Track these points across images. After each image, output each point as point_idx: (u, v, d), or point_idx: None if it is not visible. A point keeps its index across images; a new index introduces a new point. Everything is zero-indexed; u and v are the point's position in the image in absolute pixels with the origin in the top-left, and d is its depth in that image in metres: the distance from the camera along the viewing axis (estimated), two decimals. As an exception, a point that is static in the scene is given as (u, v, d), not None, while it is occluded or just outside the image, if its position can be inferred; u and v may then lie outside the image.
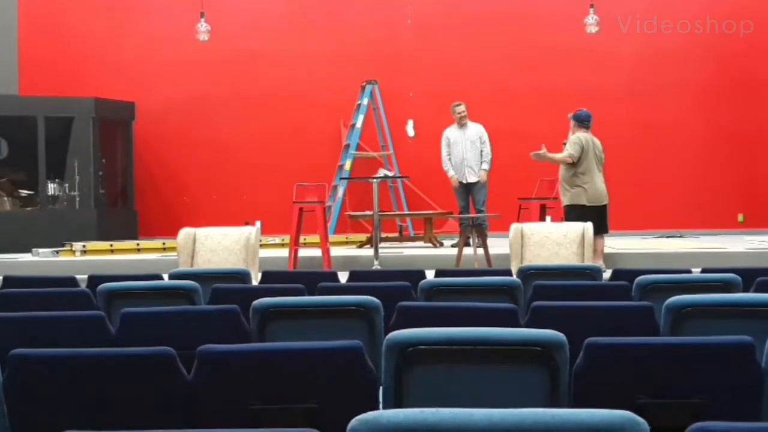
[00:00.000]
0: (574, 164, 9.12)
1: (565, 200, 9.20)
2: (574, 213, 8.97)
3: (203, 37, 12.23)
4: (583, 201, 9.14)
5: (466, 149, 11.01)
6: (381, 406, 2.69)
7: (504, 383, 2.61)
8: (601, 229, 8.82)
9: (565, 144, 9.35)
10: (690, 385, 2.76)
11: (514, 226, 8.11)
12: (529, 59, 13.58)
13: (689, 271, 5.46)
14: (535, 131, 13.49)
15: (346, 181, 12.33)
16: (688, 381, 2.77)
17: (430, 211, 12.05)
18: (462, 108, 11.04)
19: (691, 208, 13.48)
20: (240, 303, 3.86)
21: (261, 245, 8.49)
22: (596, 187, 9.15)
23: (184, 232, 7.97)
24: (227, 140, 13.62)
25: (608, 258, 9.20)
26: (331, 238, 10.81)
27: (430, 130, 13.41)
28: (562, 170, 9.28)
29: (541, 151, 9.31)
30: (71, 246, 10.61)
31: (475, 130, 11.09)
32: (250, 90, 13.60)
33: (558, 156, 9.26)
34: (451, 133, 11.12)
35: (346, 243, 12.01)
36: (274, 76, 13.59)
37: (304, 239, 9.97)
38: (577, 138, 9.17)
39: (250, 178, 13.51)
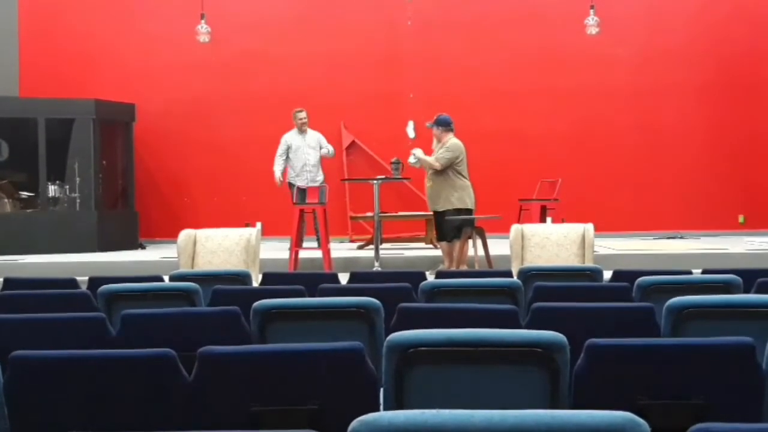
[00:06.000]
0: (444, 170, 9.13)
1: (448, 204, 9.16)
2: (456, 216, 9.05)
3: (203, 38, 12.23)
4: (468, 204, 9.22)
5: (307, 154, 11.16)
6: (381, 407, 2.69)
7: (505, 384, 2.61)
8: (465, 234, 8.98)
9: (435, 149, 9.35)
10: (691, 387, 2.76)
11: (515, 227, 8.11)
12: (530, 60, 13.58)
13: (690, 273, 5.46)
14: (535, 132, 13.54)
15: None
16: (689, 382, 2.77)
17: (431, 213, 12.03)
18: (304, 114, 11.23)
19: (692, 209, 13.47)
20: (240, 304, 3.86)
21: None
22: (472, 189, 9.29)
23: (185, 234, 7.97)
24: (228, 141, 13.62)
25: (609, 259, 9.18)
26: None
27: (431, 131, 13.41)
28: (436, 174, 9.21)
29: (416, 154, 9.27)
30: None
31: (314, 136, 11.28)
32: (251, 91, 13.60)
33: (428, 159, 9.24)
34: (292, 138, 11.24)
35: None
36: (275, 77, 13.60)
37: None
38: (452, 144, 9.19)
39: (250, 179, 13.49)
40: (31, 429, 2.83)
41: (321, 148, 11.26)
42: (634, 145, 13.59)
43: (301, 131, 11.21)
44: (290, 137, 11.23)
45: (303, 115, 11.20)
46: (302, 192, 10.19)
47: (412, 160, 9.38)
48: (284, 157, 11.20)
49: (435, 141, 9.45)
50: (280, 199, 11.49)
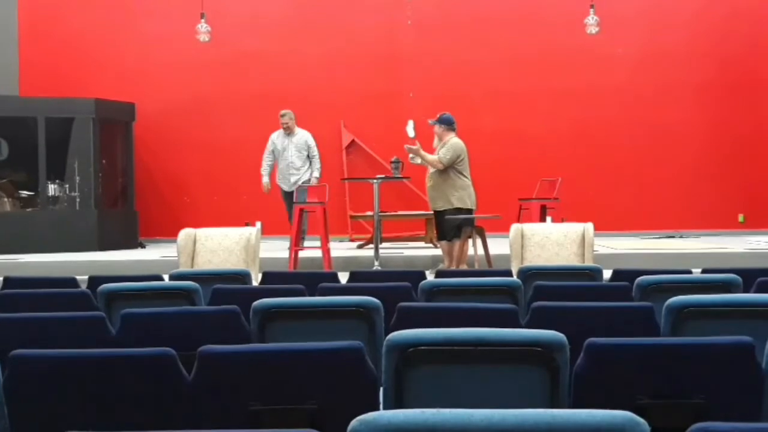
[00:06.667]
0: (445, 169, 9.11)
1: (448, 204, 9.15)
2: (456, 216, 9.05)
3: (203, 37, 12.23)
4: (468, 204, 9.21)
5: (291, 155, 11.07)
6: (381, 406, 2.69)
7: (504, 384, 2.61)
8: (465, 233, 8.95)
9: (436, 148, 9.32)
10: (690, 386, 2.76)
11: (515, 227, 8.11)
12: (529, 60, 13.58)
13: (689, 272, 5.46)
14: (535, 132, 13.55)
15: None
16: (689, 381, 2.77)
17: (431, 212, 12.03)
18: (286, 119, 11.07)
19: (692, 208, 13.47)
20: (240, 304, 3.86)
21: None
22: (473, 189, 9.28)
23: (185, 233, 7.97)
24: (227, 141, 13.62)
25: (609, 258, 9.18)
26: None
27: (431, 130, 13.44)
28: (437, 173, 9.20)
29: (414, 146, 9.29)
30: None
31: (302, 137, 11.12)
32: (251, 90, 13.60)
33: (430, 158, 9.22)
34: (278, 139, 11.16)
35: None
36: (275, 76, 13.60)
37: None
38: (454, 144, 9.17)
39: (250, 178, 13.46)
40: (30, 428, 2.83)
41: (309, 157, 11.11)
42: (634, 144, 13.59)
43: (287, 133, 11.14)
44: (276, 137, 11.19)
45: (285, 119, 11.06)
46: (288, 195, 10.13)
47: (411, 147, 9.37)
48: (271, 157, 11.16)
49: (436, 139, 9.44)
50: (280, 198, 11.49)
